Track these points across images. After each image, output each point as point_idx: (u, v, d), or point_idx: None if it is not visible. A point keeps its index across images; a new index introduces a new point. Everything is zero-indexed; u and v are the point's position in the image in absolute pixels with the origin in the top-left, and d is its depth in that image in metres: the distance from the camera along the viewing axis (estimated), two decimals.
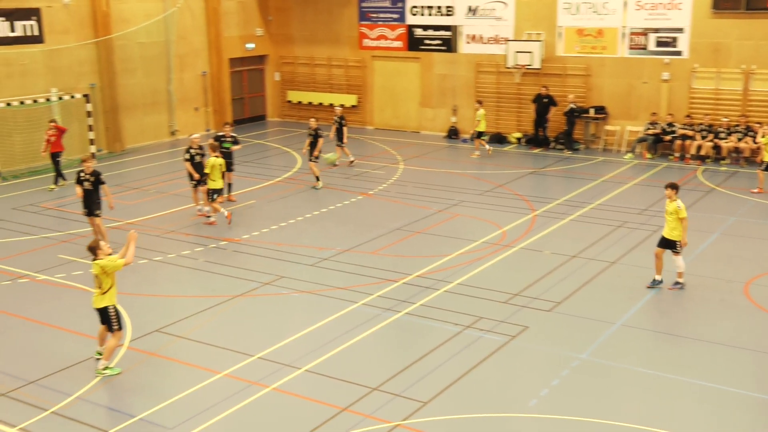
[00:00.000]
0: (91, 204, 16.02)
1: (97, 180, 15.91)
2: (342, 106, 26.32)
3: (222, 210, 17.77)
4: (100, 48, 25.42)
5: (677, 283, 13.93)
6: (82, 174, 15.94)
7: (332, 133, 23.37)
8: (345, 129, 23.54)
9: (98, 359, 11.24)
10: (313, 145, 20.90)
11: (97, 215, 16.10)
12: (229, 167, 19.17)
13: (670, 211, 13.66)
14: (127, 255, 11.09)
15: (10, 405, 10.23)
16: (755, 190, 20.26)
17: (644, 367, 11.14)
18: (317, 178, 21.02)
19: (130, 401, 10.38)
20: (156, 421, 9.80)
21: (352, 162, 23.72)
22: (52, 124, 21.29)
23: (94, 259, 11.01)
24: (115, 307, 11.13)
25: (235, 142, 19.49)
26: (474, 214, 18.64)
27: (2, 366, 11.28)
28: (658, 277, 13.96)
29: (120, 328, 11.16)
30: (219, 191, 17.78)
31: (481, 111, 25.12)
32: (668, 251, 13.83)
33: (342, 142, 23.50)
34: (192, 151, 18.20)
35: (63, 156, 21.61)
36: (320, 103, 31.24)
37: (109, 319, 11.10)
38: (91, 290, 14.02)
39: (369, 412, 9.96)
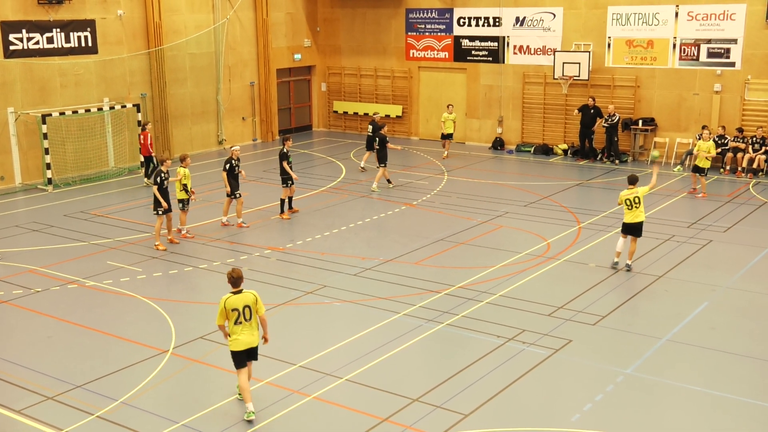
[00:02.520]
0: (169, 201, 17.06)
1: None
2: (377, 114, 26.59)
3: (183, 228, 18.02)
4: (151, 58, 25.91)
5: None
6: (163, 174, 16.99)
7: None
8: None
9: (251, 417, 10.02)
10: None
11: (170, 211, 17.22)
12: (292, 180, 19.31)
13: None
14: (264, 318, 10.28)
15: (57, 408, 10.42)
16: (699, 195, 20.86)
17: (691, 384, 10.91)
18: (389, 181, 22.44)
19: (173, 407, 10.49)
20: (198, 427, 9.89)
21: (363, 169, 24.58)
22: (149, 126, 22.92)
23: (239, 291, 10.05)
24: None
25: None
26: (518, 225, 18.50)
27: (50, 370, 11.50)
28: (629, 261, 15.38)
29: None
30: (186, 202, 17.73)
31: (448, 114, 26.34)
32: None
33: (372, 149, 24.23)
34: (233, 162, 18.30)
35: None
36: (365, 113, 31.37)
37: (257, 354, 10.32)
38: (142, 296, 14.27)
39: (410, 423, 9.92)
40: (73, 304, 14.06)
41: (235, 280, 10.06)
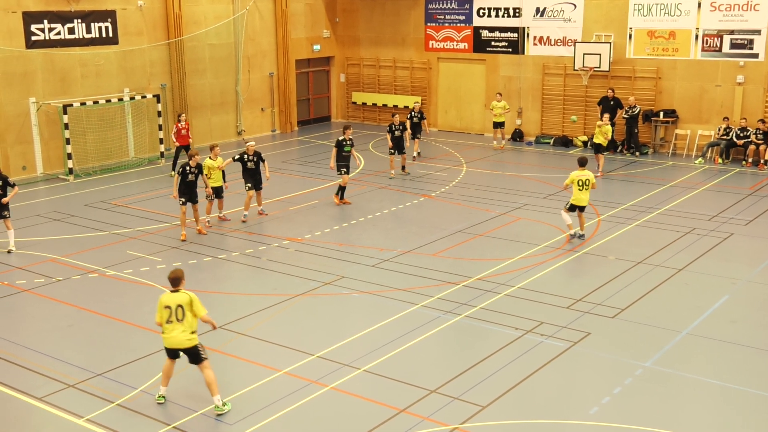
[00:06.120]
0: (193, 194, 17.06)
1: (199, 172, 17.21)
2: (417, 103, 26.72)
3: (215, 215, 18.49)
4: (171, 49, 26.00)
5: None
6: (187, 167, 16.93)
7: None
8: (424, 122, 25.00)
9: (161, 401, 10.27)
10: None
11: (197, 202, 17.25)
12: (348, 170, 19.71)
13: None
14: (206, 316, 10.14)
15: (78, 396, 10.54)
16: (599, 174, 22.03)
17: (710, 377, 10.84)
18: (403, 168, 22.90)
19: (192, 396, 10.56)
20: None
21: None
22: (183, 117, 23.05)
23: (176, 290, 10.02)
24: (200, 343, 10.17)
25: (352, 144, 19.92)
26: (537, 217, 18.43)
27: (71, 358, 11.62)
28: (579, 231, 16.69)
29: (207, 357, 10.19)
30: (218, 190, 18.00)
31: (497, 102, 26.44)
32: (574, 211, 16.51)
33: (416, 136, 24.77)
34: (245, 157, 18.40)
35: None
36: (384, 105, 31.35)
37: (199, 354, 10.05)
38: (147, 283, 14.35)
39: (427, 414, 9.93)
40: (94, 294, 14.19)
41: (172, 281, 10.03)
